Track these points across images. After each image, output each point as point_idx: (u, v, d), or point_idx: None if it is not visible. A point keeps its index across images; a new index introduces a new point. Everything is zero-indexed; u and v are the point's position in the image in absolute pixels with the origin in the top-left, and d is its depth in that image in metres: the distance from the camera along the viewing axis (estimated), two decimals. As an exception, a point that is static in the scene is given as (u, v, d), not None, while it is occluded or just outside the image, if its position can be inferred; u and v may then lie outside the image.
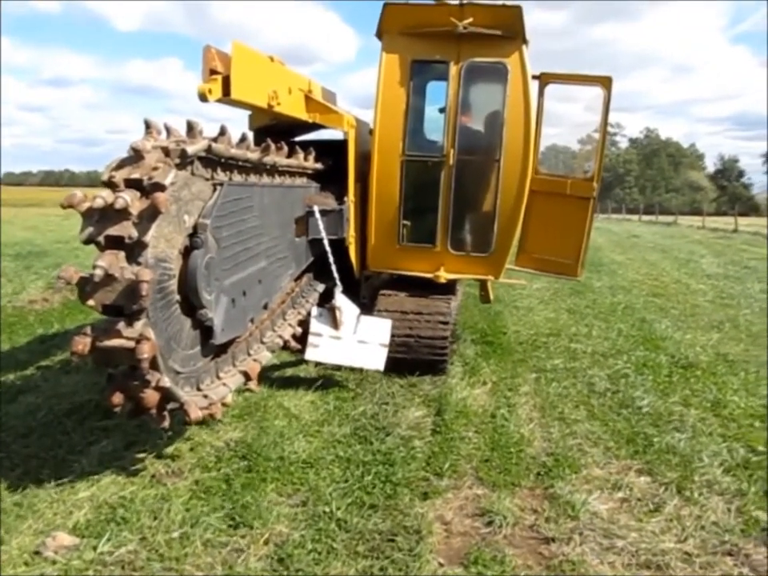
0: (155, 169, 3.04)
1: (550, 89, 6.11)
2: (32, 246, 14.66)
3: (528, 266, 6.66)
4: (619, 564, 2.98)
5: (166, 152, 3.17)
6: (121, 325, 2.91)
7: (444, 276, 5.80)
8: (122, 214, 2.88)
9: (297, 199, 5.19)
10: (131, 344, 2.90)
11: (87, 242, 2.96)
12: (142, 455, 3.95)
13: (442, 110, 6.04)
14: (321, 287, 5.88)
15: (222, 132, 3.63)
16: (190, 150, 3.21)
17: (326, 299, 5.65)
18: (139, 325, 2.93)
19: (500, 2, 5.47)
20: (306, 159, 5.23)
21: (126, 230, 2.89)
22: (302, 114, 5.30)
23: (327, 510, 3.34)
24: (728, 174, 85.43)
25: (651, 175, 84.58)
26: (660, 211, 46.10)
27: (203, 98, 3.77)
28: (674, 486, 3.68)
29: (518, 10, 5.33)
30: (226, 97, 3.94)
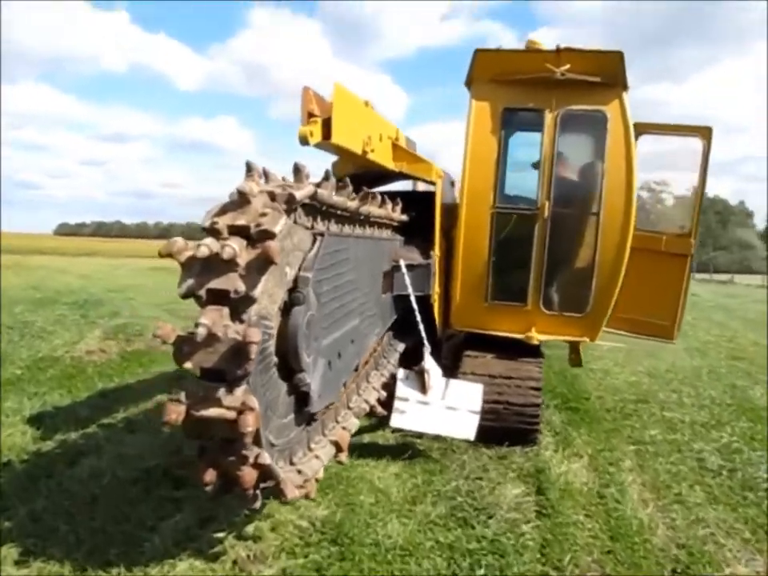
0: (263, 215, 2.71)
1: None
2: (87, 294, 14.65)
3: (620, 328, 6.15)
4: None
5: (272, 197, 2.85)
6: (221, 392, 2.54)
7: (536, 337, 5.33)
8: (228, 265, 2.54)
9: (385, 252, 4.86)
10: (232, 414, 2.51)
11: (186, 295, 2.62)
12: (219, 535, 3.52)
13: (536, 166, 5.73)
14: (401, 347, 5.48)
15: (327, 177, 3.33)
16: (299, 195, 2.89)
17: (405, 360, 5.25)
18: (240, 392, 2.56)
19: (597, 48, 5.17)
20: (393, 210, 4.91)
21: (232, 282, 2.54)
22: (390, 163, 5.01)
23: (442, 614, 2.85)
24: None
25: (699, 233, 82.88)
26: (714, 269, 44.91)
27: (304, 140, 3.48)
28: None
29: (619, 56, 5.00)
30: (325, 141, 3.65)
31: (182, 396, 2.58)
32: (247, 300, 2.57)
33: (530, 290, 5.34)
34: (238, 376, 2.53)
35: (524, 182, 5.49)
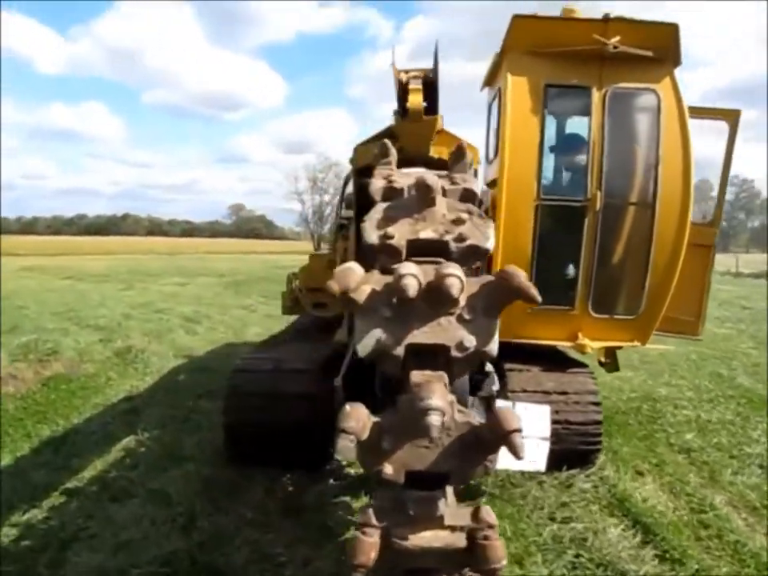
0: (457, 222, 1.82)
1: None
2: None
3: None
4: None
5: (443, 194, 1.97)
6: (440, 505, 1.64)
7: (589, 345, 4.71)
8: (445, 305, 1.64)
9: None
10: (462, 541, 1.62)
11: (372, 355, 1.68)
12: None
13: (552, 150, 5.09)
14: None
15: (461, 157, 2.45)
16: (478, 189, 2.02)
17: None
18: (466, 504, 1.68)
19: (650, 19, 4.60)
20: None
21: (452, 333, 1.65)
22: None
23: None
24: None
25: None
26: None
27: (418, 115, 2.60)
28: None
29: (674, 29, 4.45)
30: (427, 116, 2.79)
31: (371, 516, 1.64)
32: (474, 358, 1.68)
33: (579, 292, 4.72)
34: (466, 478, 1.66)
35: (572, 171, 4.84)
